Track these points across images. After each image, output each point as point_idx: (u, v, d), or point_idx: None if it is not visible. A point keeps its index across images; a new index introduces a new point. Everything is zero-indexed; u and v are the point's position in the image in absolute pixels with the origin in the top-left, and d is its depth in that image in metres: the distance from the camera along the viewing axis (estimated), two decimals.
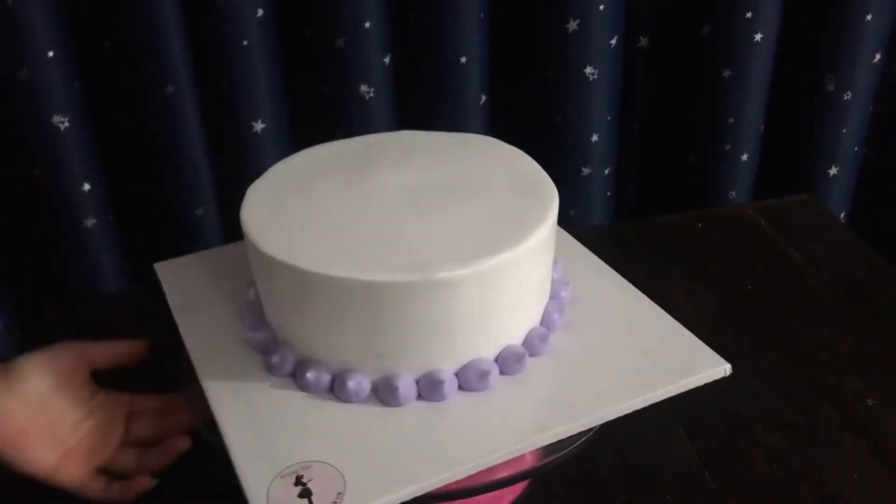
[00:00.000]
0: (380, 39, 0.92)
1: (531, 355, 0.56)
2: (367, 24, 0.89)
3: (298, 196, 0.58)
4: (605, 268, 0.65)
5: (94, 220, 0.90)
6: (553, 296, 0.60)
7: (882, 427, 0.67)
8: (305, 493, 0.47)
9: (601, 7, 0.94)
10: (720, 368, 0.55)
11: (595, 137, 1.02)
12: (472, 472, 0.49)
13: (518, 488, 0.60)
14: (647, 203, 1.14)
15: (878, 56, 1.02)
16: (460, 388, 0.54)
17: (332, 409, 0.53)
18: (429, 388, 0.53)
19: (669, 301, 0.81)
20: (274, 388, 0.55)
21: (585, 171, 1.04)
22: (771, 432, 0.67)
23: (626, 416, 0.53)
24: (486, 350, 0.54)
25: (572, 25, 0.94)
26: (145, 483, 0.59)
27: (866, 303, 0.82)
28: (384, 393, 0.53)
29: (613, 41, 0.98)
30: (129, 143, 0.91)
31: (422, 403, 0.53)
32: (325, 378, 0.54)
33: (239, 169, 0.93)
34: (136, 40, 0.84)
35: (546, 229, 0.54)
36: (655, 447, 0.66)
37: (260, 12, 0.87)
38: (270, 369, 0.56)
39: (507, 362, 0.55)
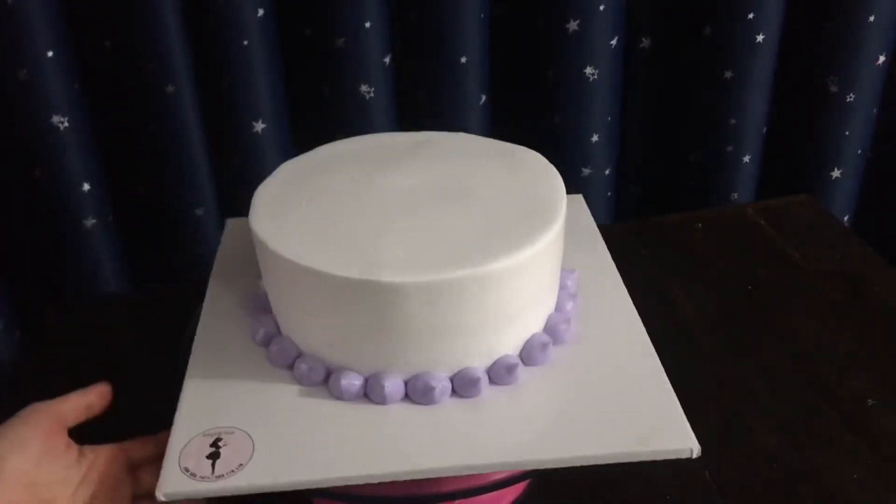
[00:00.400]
0: (380, 39, 0.92)
1: (492, 382, 0.55)
2: (367, 24, 0.89)
3: (309, 190, 0.58)
4: (623, 295, 0.62)
5: (94, 220, 0.90)
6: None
7: (882, 427, 0.67)
8: (213, 456, 0.49)
9: (602, 7, 0.94)
10: (686, 448, 0.49)
11: (595, 138, 1.02)
12: (390, 479, 0.48)
13: (518, 488, 0.60)
14: (647, 203, 1.14)
15: (881, 58, 1.02)
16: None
17: (292, 389, 0.54)
18: (375, 387, 0.53)
19: (669, 301, 0.82)
20: (252, 357, 0.56)
21: (586, 171, 1.03)
22: (771, 432, 0.67)
23: None
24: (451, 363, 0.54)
25: (573, 25, 0.94)
26: None
27: (866, 303, 0.82)
28: (333, 385, 0.53)
29: (614, 41, 0.98)
30: (129, 143, 0.91)
31: (363, 404, 0.53)
32: (291, 354, 0.55)
33: (239, 169, 0.93)
34: (136, 40, 0.84)
35: (541, 245, 0.53)
36: None
37: (260, 12, 0.87)
38: (253, 337, 0.58)
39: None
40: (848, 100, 1.03)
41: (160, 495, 0.47)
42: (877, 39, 1.01)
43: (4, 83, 0.81)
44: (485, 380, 0.53)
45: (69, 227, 0.89)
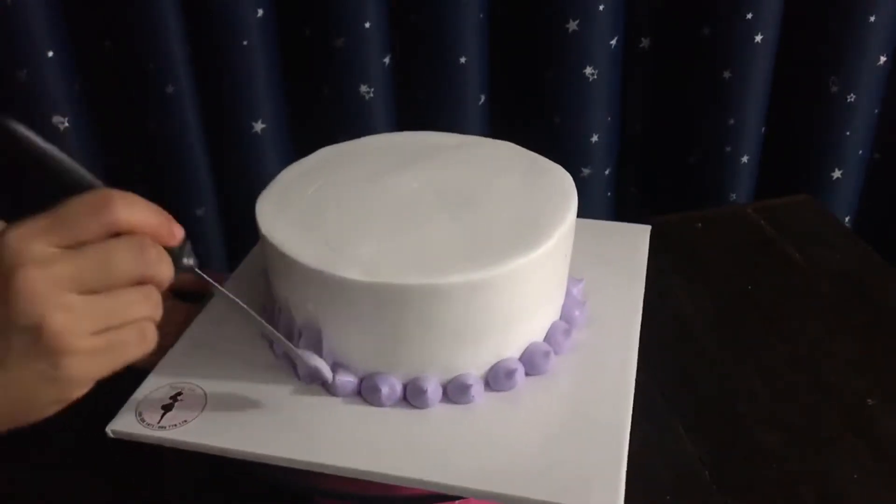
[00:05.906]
0: (380, 39, 0.92)
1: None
2: (367, 25, 0.89)
3: (317, 196, 0.57)
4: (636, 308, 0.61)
5: None
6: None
7: (882, 427, 0.67)
8: (167, 408, 0.52)
9: (601, 7, 0.94)
10: None
11: (595, 138, 1.02)
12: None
13: None
14: (646, 203, 1.14)
15: (882, 58, 1.02)
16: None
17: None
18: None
19: (669, 301, 0.82)
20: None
21: (585, 171, 1.03)
22: (771, 432, 0.67)
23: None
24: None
25: (572, 26, 0.94)
26: None
27: (866, 303, 0.81)
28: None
29: (613, 42, 0.98)
30: (129, 144, 0.91)
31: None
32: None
33: (239, 169, 0.93)
34: (136, 40, 0.84)
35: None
36: (655, 447, 0.66)
37: (260, 12, 0.87)
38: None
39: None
40: (849, 100, 1.03)
41: (109, 431, 0.51)
42: (878, 40, 1.01)
43: (4, 83, 0.81)
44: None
45: None
